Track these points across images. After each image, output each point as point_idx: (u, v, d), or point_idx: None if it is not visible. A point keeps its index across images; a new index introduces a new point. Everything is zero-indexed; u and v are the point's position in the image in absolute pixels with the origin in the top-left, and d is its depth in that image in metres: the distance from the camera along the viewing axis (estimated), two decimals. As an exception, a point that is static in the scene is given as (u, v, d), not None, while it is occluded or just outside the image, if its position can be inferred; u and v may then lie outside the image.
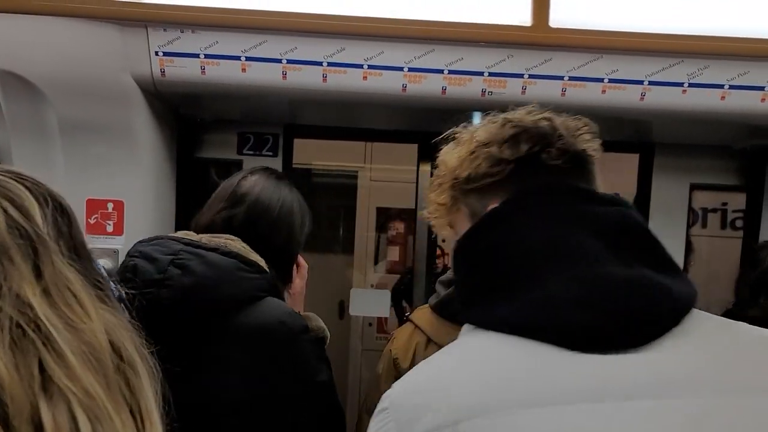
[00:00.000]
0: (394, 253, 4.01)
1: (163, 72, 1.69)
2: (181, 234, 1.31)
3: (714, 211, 2.70)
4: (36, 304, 0.46)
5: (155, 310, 1.12)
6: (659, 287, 0.72)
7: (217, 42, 1.66)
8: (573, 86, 1.71)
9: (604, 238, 0.76)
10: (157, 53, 1.67)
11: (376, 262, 4.01)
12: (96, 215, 1.80)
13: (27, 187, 0.53)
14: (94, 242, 1.78)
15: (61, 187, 1.64)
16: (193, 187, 2.07)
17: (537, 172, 0.86)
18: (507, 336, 0.72)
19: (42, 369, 0.44)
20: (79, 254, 0.54)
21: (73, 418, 0.44)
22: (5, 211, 0.49)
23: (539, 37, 1.23)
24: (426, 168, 2.24)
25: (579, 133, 0.91)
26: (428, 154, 2.21)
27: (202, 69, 1.68)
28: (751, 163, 2.05)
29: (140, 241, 1.33)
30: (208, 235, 1.28)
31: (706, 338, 0.73)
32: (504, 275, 0.77)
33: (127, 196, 1.81)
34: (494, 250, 0.80)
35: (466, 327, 0.81)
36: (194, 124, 2.04)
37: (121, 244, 1.81)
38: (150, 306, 1.07)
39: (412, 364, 1.28)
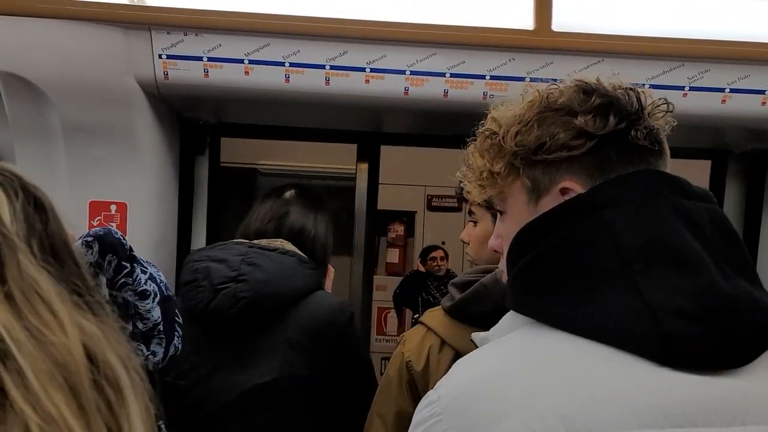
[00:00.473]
0: (393, 256, 4.02)
1: (166, 75, 1.69)
2: (236, 240, 1.58)
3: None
4: None
5: (228, 304, 1.38)
6: (760, 304, 0.67)
7: (220, 45, 1.66)
8: (574, 89, 1.72)
9: (701, 239, 0.69)
10: (160, 56, 1.67)
11: (375, 265, 4.02)
12: (99, 217, 1.81)
13: (2, 185, 0.49)
14: (96, 244, 1.78)
15: (64, 189, 1.65)
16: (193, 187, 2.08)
17: (623, 151, 0.76)
18: (581, 339, 0.65)
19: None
20: (57, 255, 0.50)
21: None
22: None
23: (542, 41, 1.24)
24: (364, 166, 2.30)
25: (659, 110, 0.82)
26: (366, 153, 2.40)
27: (206, 72, 1.69)
28: (751, 166, 2.07)
29: (200, 249, 1.59)
30: (264, 240, 1.54)
31: None
32: (590, 271, 0.68)
33: (130, 198, 1.82)
34: (580, 242, 0.70)
35: (513, 318, 0.74)
36: (196, 126, 2.05)
37: (124, 246, 1.81)
38: (223, 301, 1.37)
39: (426, 367, 1.28)
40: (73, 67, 1.66)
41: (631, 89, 0.81)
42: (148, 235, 1.86)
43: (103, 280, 1.09)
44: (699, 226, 0.70)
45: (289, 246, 1.53)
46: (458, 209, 3.90)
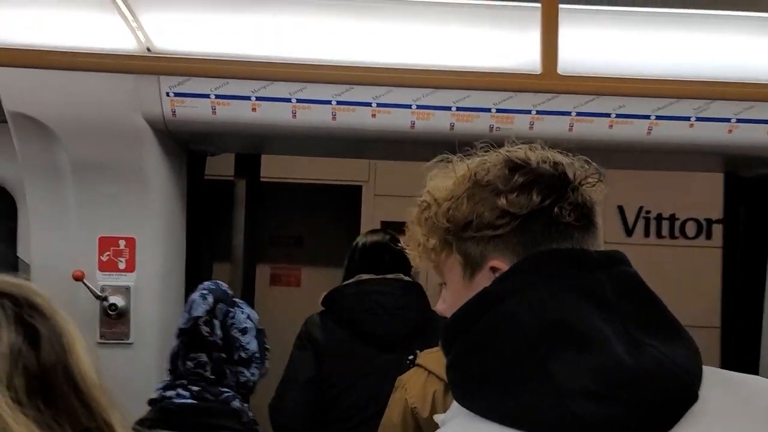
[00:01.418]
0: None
1: (174, 112, 1.70)
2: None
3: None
4: None
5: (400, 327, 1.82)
6: (671, 368, 0.68)
7: (227, 83, 1.67)
8: (580, 121, 1.73)
9: (606, 310, 0.70)
10: (168, 94, 1.68)
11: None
12: (108, 252, 1.82)
13: None
14: (106, 280, 1.80)
15: (73, 225, 1.66)
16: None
17: (548, 229, 0.76)
18: (509, 430, 0.67)
19: None
20: (51, 391, 0.45)
21: None
22: None
23: (548, 85, 1.25)
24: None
25: (589, 181, 0.81)
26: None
27: (213, 109, 1.70)
28: (755, 192, 2.08)
29: (357, 282, 2.03)
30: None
31: (721, 412, 0.70)
32: (505, 361, 0.70)
33: (139, 232, 1.83)
34: (490, 334, 0.72)
35: (458, 408, 0.75)
36: (203, 156, 2.06)
37: (133, 281, 1.83)
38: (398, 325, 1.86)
39: (433, 413, 1.28)
40: (82, 107, 1.67)
41: (559, 163, 0.80)
42: (156, 268, 1.88)
43: (217, 323, 1.49)
44: (602, 298, 0.71)
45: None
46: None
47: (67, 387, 0.46)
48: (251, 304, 1.77)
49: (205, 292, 1.53)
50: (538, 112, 1.72)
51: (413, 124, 1.73)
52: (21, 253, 1.95)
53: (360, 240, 2.27)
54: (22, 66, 1.35)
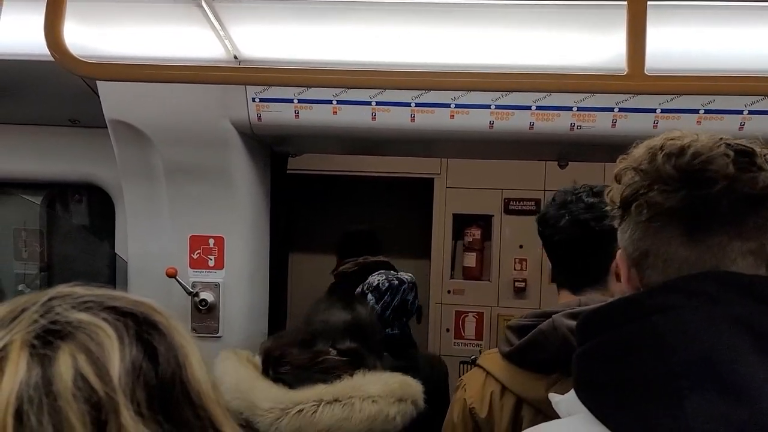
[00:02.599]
0: (470, 260, 4.01)
1: (259, 117, 1.77)
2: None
3: None
4: None
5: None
6: None
7: (309, 88, 1.72)
8: (666, 118, 1.67)
9: (765, 353, 0.65)
10: (254, 99, 1.75)
11: (452, 268, 4.04)
12: (199, 251, 1.92)
13: (116, 328, 0.48)
14: (197, 276, 1.90)
15: (166, 225, 1.76)
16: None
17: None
18: None
19: None
20: (170, 405, 0.47)
21: None
22: (76, 366, 0.44)
23: (635, 86, 1.22)
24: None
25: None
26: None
27: (296, 113, 1.76)
28: None
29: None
30: None
31: None
32: (638, 378, 0.68)
33: (227, 231, 1.92)
34: (629, 346, 0.70)
35: (575, 400, 0.76)
36: (285, 157, 2.13)
37: (222, 278, 1.93)
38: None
39: (490, 414, 1.28)
40: (175, 114, 1.76)
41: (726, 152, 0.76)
42: (243, 265, 1.96)
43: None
44: (762, 333, 0.66)
45: None
46: (536, 212, 3.86)
47: (184, 400, 0.48)
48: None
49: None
50: (621, 110, 1.68)
51: (492, 124, 1.73)
52: (118, 249, 2.08)
53: None
54: (120, 80, 1.44)
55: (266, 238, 2.12)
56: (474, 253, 3.98)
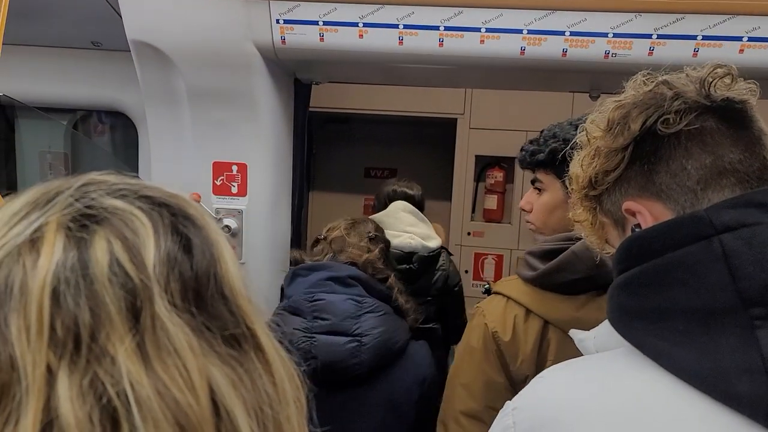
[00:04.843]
0: (491, 202, 3.98)
1: (283, 39, 1.73)
2: None
3: None
4: (123, 362, 0.40)
5: None
6: None
7: (335, 9, 1.67)
8: (707, 46, 1.60)
9: None
10: (278, 21, 1.70)
11: (473, 210, 4.02)
12: (222, 177, 1.92)
13: (152, 218, 0.47)
14: (220, 203, 1.91)
15: (190, 150, 1.75)
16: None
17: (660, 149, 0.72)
18: (681, 384, 0.61)
19: None
20: (201, 297, 0.46)
21: None
22: (112, 251, 0.43)
23: (670, 5, 1.16)
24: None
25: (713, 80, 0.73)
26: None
27: (321, 36, 1.71)
28: None
29: None
30: None
31: None
32: (701, 307, 0.61)
33: (250, 158, 1.91)
34: (691, 270, 0.63)
35: (610, 333, 0.71)
36: (308, 86, 2.09)
37: (245, 205, 1.93)
38: None
39: (514, 338, 1.28)
40: (198, 35, 1.73)
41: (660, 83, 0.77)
42: (266, 192, 1.96)
43: None
44: None
45: None
46: (561, 155, 3.79)
47: (217, 294, 0.47)
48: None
49: None
50: (659, 36, 1.61)
51: (523, 50, 1.67)
52: (142, 175, 2.08)
53: None
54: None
55: (289, 168, 2.11)
56: (495, 196, 3.94)
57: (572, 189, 0.85)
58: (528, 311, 1.30)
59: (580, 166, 0.82)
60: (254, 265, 1.96)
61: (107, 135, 2.43)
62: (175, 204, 0.50)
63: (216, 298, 0.47)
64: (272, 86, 1.89)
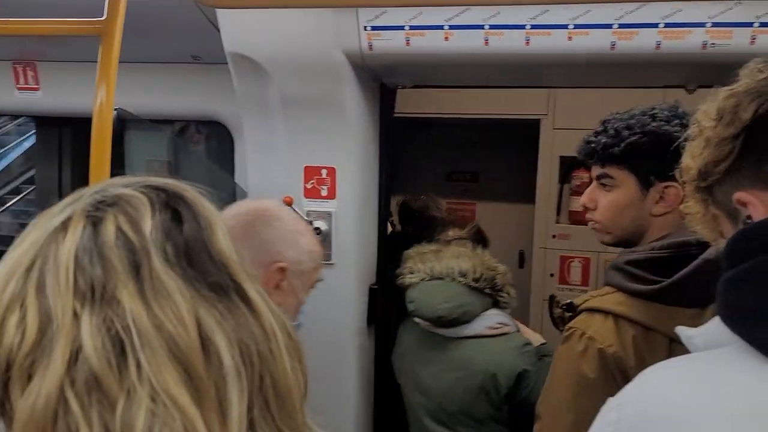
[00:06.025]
0: (578, 204, 3.89)
1: (370, 46, 1.78)
2: None
3: None
4: (127, 304, 0.52)
5: None
6: None
7: (420, 13, 1.70)
8: (816, 32, 1.51)
9: None
10: (365, 28, 1.76)
11: (558, 213, 3.93)
12: (312, 181, 1.99)
13: (150, 198, 0.59)
14: (311, 205, 1.98)
15: (282, 155, 1.83)
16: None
17: None
18: None
19: (126, 365, 0.51)
20: (191, 256, 0.57)
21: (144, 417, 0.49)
22: (117, 224, 0.56)
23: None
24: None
25: None
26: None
27: (407, 40, 1.74)
28: None
29: None
30: None
31: None
32: None
33: (339, 162, 1.97)
34: None
35: (721, 330, 0.69)
36: (394, 91, 2.13)
37: (334, 207, 1.99)
38: None
39: (639, 362, 1.13)
40: (290, 46, 1.81)
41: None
42: (354, 195, 2.01)
43: None
44: None
45: None
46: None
47: (205, 254, 0.58)
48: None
49: None
50: (761, 24, 1.53)
51: (614, 45, 1.63)
52: (238, 179, 2.19)
53: None
54: (240, 7, 1.49)
55: (375, 172, 2.15)
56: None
57: (683, 181, 0.83)
58: (646, 330, 1.17)
59: (690, 158, 0.80)
60: (343, 266, 2.02)
61: (203, 143, 2.57)
62: (170, 188, 0.62)
63: (204, 257, 0.58)
64: (359, 92, 1.94)
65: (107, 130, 1.39)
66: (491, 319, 1.85)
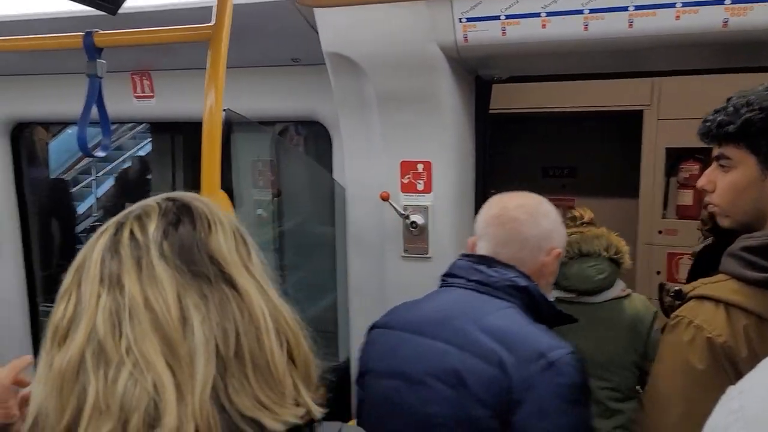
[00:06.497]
0: (685, 198, 3.67)
1: (465, 37, 1.77)
2: None
3: None
4: (129, 287, 0.68)
5: None
6: None
7: (516, 2, 1.68)
8: None
9: None
10: (460, 20, 1.75)
11: (665, 207, 3.74)
12: (408, 175, 2.01)
13: (160, 207, 0.75)
14: (408, 200, 2.00)
15: (378, 151, 1.86)
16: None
17: None
18: None
19: (121, 335, 0.66)
20: (184, 251, 0.71)
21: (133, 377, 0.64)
22: (130, 227, 0.72)
23: None
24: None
25: None
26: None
27: (503, 30, 1.73)
28: None
29: None
30: None
31: None
32: None
33: (434, 156, 1.98)
34: None
35: None
36: (489, 85, 2.11)
37: (430, 201, 2.00)
38: None
39: (751, 354, 1.07)
40: (386, 42, 1.84)
41: None
42: (450, 189, 2.02)
43: None
44: None
45: None
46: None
47: (198, 253, 0.72)
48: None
49: None
50: None
51: (726, 22, 1.54)
52: (336, 176, 2.25)
53: None
54: (337, 4, 1.53)
55: (471, 164, 2.14)
56: (690, 191, 3.63)
57: None
58: (760, 319, 1.10)
59: None
60: (440, 260, 2.02)
61: (301, 144, 2.66)
62: (181, 199, 0.77)
63: (196, 253, 0.71)
64: (454, 86, 1.94)
65: (217, 131, 1.48)
66: (620, 284, 2.21)
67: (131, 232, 0.71)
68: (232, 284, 0.70)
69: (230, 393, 0.66)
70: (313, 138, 2.63)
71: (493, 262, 1.39)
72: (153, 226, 0.71)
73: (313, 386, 0.75)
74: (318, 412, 0.74)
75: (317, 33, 1.91)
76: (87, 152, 1.64)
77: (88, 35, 1.57)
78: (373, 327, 1.49)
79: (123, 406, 0.63)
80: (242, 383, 0.67)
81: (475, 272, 1.39)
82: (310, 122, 2.43)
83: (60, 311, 0.70)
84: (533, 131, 4.26)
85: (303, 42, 2.03)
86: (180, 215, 0.73)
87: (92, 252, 0.72)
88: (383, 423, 1.34)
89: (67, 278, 0.72)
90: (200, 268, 0.70)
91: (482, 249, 1.44)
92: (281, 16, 1.93)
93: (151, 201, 0.76)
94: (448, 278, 1.47)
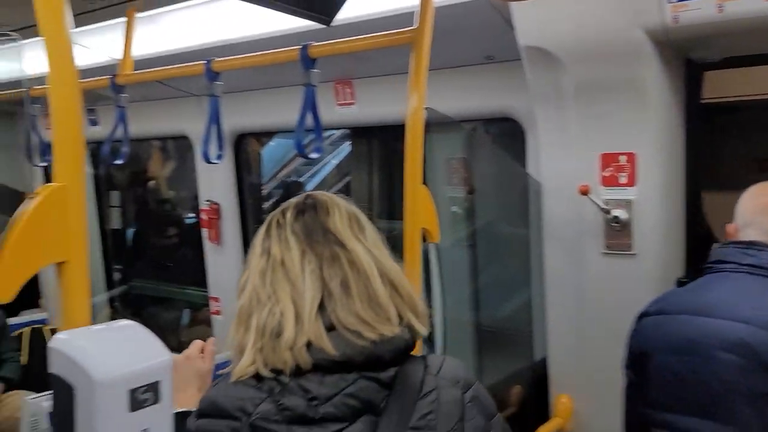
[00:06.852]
0: None
1: (675, 19, 1.66)
2: None
3: None
4: (273, 251, 0.99)
5: None
6: None
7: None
8: None
9: None
10: (669, 1, 1.65)
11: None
12: (610, 168, 1.92)
13: (297, 201, 1.05)
14: (609, 194, 1.92)
15: (574, 144, 1.81)
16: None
17: None
18: None
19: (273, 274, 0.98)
20: (309, 231, 0.99)
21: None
22: (277, 217, 1.03)
23: None
24: None
25: None
26: None
27: (719, 7, 1.59)
28: None
29: None
30: None
31: None
32: None
33: (639, 147, 1.87)
34: None
35: None
36: (700, 71, 1.95)
37: (634, 195, 1.89)
38: None
39: None
40: (585, 32, 1.79)
41: None
42: (657, 182, 1.89)
43: None
44: None
45: None
46: None
47: (320, 230, 0.99)
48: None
49: None
50: None
51: None
52: (531, 171, 2.22)
53: None
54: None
55: (680, 156, 1.99)
56: None
57: None
58: None
59: None
60: (645, 257, 1.91)
61: (492, 139, 2.67)
62: (312, 196, 1.05)
63: (319, 232, 0.99)
64: (661, 72, 1.82)
65: (419, 129, 1.56)
66: None
67: (277, 221, 1.02)
68: (343, 246, 0.97)
69: (338, 314, 0.92)
70: (503, 138, 2.63)
71: (764, 247, 1.44)
72: (289, 214, 1.02)
73: (420, 314, 0.98)
74: (422, 329, 0.97)
75: (512, 28, 1.92)
76: (303, 154, 1.82)
77: (304, 48, 1.74)
78: (643, 315, 1.55)
79: (264, 329, 0.92)
80: (348, 308, 0.92)
81: (746, 257, 1.44)
82: (499, 120, 2.43)
83: (242, 275, 1.02)
84: (747, 121, 3.80)
85: (497, 39, 2.05)
86: (306, 207, 1.02)
87: (257, 235, 1.04)
88: (675, 397, 1.44)
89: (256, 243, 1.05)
90: (317, 237, 0.98)
91: (750, 236, 1.48)
92: (477, 15, 1.96)
93: (293, 199, 1.07)
94: (717, 264, 1.49)
